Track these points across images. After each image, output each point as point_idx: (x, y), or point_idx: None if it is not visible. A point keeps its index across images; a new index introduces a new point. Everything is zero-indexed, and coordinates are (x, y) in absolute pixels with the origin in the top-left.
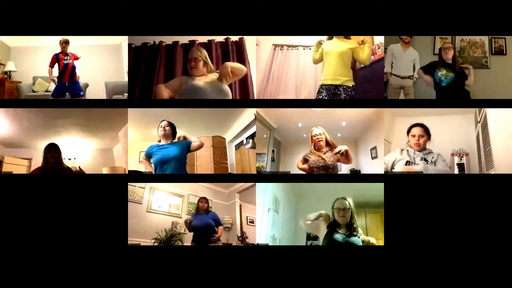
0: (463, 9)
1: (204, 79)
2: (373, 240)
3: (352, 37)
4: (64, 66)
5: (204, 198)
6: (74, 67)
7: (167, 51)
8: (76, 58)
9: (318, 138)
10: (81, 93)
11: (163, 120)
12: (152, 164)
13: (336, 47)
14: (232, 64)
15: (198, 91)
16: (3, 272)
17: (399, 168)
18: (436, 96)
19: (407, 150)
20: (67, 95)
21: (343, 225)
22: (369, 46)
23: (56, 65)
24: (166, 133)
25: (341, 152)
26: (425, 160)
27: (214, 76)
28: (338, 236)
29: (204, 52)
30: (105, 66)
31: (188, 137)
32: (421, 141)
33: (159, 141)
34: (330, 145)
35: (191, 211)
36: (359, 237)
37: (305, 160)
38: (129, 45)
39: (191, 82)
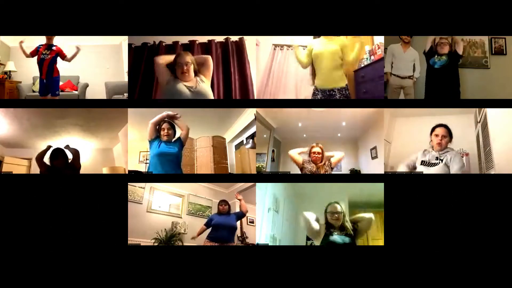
0: (463, 9)
1: (186, 84)
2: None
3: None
4: (40, 61)
5: (224, 200)
6: (52, 63)
7: (167, 51)
8: (60, 54)
9: (316, 157)
10: (57, 92)
11: (164, 122)
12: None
13: (326, 49)
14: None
15: (180, 95)
16: (4, 272)
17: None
18: (428, 80)
19: (428, 150)
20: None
21: (337, 227)
22: (358, 49)
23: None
24: (169, 137)
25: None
26: (440, 160)
27: (195, 80)
28: (336, 238)
29: (192, 57)
30: (105, 66)
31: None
32: (443, 142)
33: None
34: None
35: (191, 211)
36: (350, 234)
37: (301, 166)
38: (129, 45)
39: (175, 84)
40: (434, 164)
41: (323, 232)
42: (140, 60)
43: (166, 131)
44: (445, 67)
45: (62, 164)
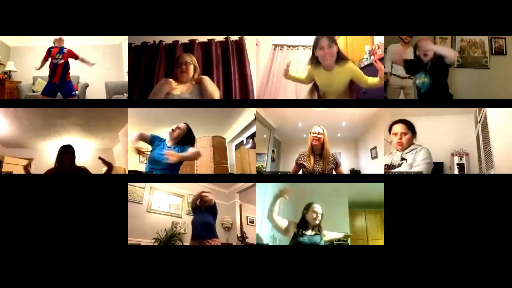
0: (463, 9)
1: (181, 89)
2: (337, 235)
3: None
4: (54, 65)
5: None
6: (66, 67)
7: (167, 51)
8: (73, 56)
9: (316, 137)
10: (73, 92)
11: (182, 123)
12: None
13: (333, 85)
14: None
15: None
16: (4, 272)
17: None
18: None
19: (393, 153)
20: (59, 95)
21: (310, 226)
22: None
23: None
24: (173, 136)
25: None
26: (404, 159)
27: (191, 87)
28: (305, 239)
29: (194, 58)
30: (105, 66)
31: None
32: (404, 140)
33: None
34: (323, 151)
35: (191, 211)
36: (321, 239)
37: (300, 165)
38: (129, 44)
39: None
40: (399, 165)
41: (293, 232)
42: (140, 60)
43: (175, 128)
44: (432, 86)
45: (69, 160)
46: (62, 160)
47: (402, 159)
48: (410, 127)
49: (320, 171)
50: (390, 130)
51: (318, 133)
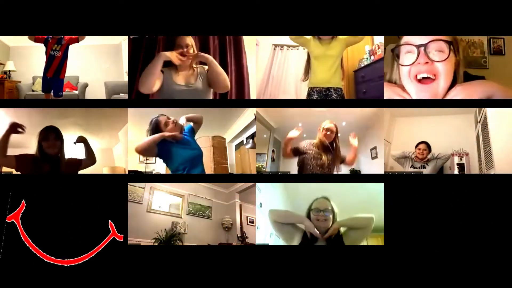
0: (462, 9)
1: (184, 79)
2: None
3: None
4: (50, 57)
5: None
6: (62, 63)
7: (165, 43)
8: (71, 41)
9: (327, 135)
10: (60, 93)
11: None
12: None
13: (328, 51)
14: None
15: (175, 94)
16: (3, 272)
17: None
18: None
19: (411, 159)
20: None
21: (320, 232)
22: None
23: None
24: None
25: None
26: (426, 164)
27: (193, 77)
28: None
29: (192, 40)
30: (105, 66)
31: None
32: (425, 153)
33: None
34: (332, 148)
35: (191, 211)
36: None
37: (297, 152)
38: (128, 37)
39: (170, 81)
40: (423, 166)
41: (298, 239)
42: (138, 51)
43: (174, 123)
44: None
45: (55, 147)
46: (44, 149)
47: (423, 167)
48: (429, 146)
49: (327, 164)
50: (416, 146)
51: (331, 131)
